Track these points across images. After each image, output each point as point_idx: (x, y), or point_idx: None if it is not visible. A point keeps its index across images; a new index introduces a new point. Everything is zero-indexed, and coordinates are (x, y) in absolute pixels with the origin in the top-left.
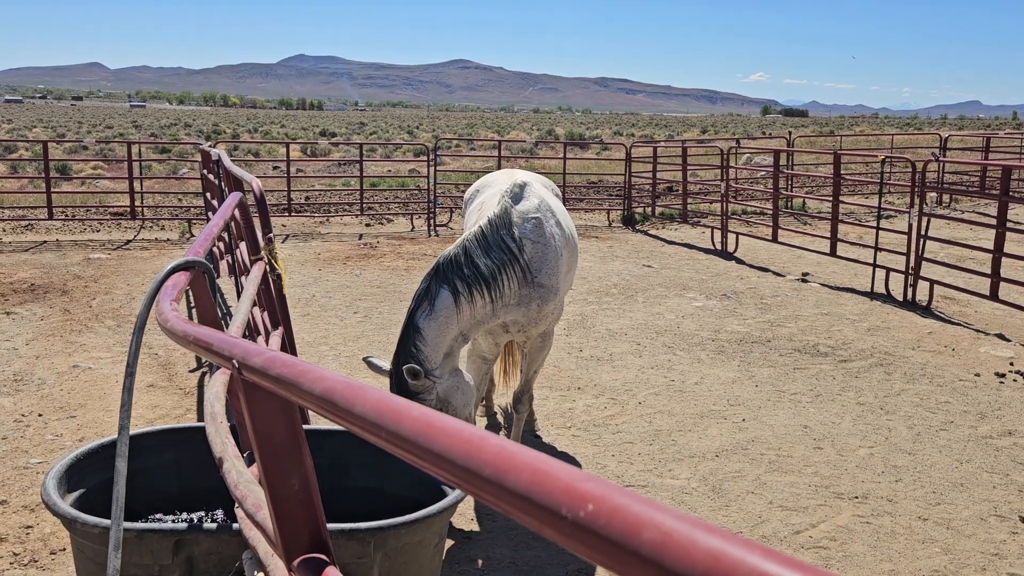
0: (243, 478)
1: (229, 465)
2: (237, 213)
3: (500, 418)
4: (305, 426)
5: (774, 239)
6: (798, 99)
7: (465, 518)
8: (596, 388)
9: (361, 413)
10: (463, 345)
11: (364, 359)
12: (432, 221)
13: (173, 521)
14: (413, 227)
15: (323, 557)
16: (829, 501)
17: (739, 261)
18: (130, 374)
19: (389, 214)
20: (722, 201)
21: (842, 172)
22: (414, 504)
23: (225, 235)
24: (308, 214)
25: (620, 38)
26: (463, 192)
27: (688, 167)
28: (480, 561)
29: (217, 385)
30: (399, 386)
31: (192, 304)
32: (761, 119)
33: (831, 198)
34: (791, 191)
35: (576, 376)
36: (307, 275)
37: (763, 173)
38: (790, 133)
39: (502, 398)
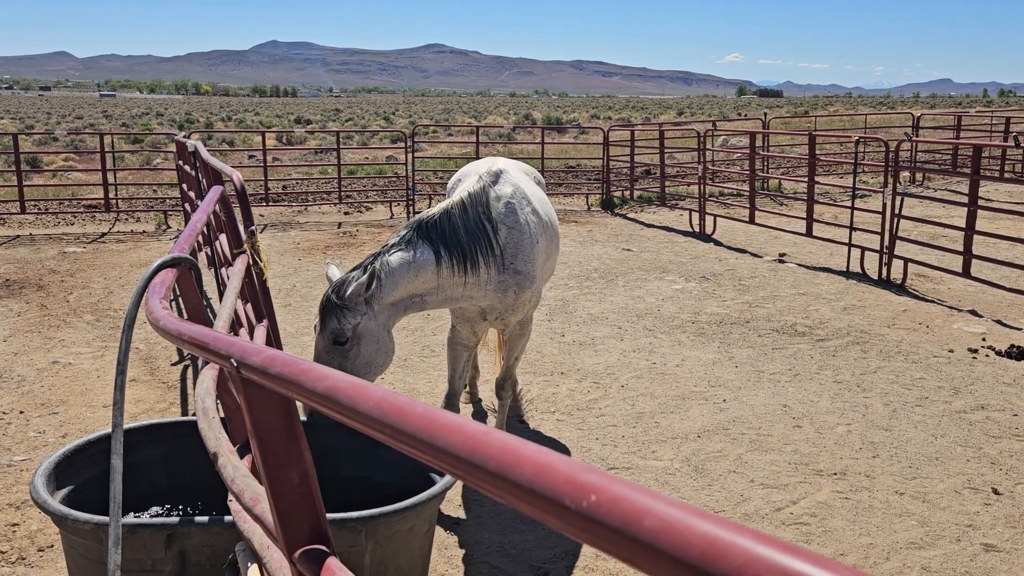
0: (239, 472)
1: (224, 460)
2: (218, 207)
3: (484, 405)
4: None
5: (751, 220)
6: (772, 79)
7: (453, 504)
8: (579, 372)
9: (364, 410)
10: (413, 311)
11: (327, 264)
12: (411, 208)
13: (164, 515)
14: (392, 214)
15: (323, 548)
16: (809, 478)
17: (717, 243)
18: (121, 372)
19: (368, 202)
20: (700, 183)
21: (817, 153)
22: (403, 492)
23: (204, 228)
24: (286, 203)
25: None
26: (441, 178)
27: (665, 150)
28: (469, 546)
29: (207, 380)
30: (337, 291)
31: (175, 299)
32: (736, 100)
33: (807, 179)
34: (767, 172)
35: (559, 361)
36: (287, 265)
37: (739, 155)
38: (765, 114)
39: (487, 385)
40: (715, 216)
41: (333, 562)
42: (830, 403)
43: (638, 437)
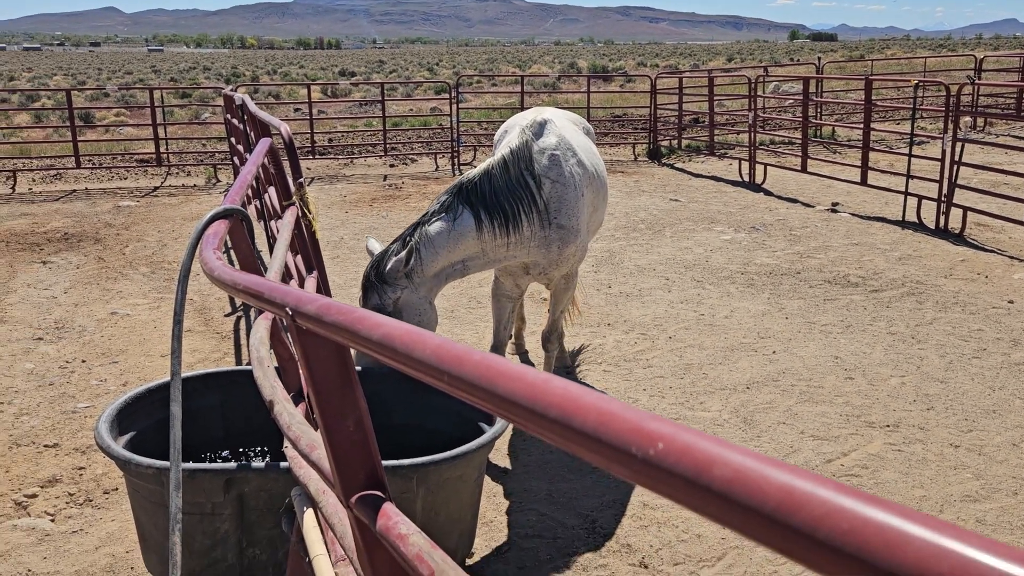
0: (295, 420)
1: (280, 408)
2: (267, 159)
3: (531, 356)
4: None
5: (803, 169)
6: (826, 23)
7: (501, 453)
8: (626, 324)
9: (421, 358)
10: (455, 278)
11: (367, 238)
12: (456, 160)
13: (222, 461)
14: (437, 166)
15: (379, 494)
16: (860, 430)
17: (767, 193)
18: (178, 322)
19: (412, 154)
20: (750, 131)
21: (873, 98)
22: (454, 440)
23: (253, 181)
24: (332, 156)
25: None
26: (486, 129)
27: (715, 97)
28: (517, 494)
29: (260, 331)
30: (376, 266)
31: (227, 250)
32: (789, 45)
33: (862, 125)
34: (820, 119)
35: (606, 312)
36: (334, 218)
37: (791, 102)
38: (819, 59)
39: (533, 336)
40: (765, 165)
41: (389, 507)
42: (883, 355)
43: (686, 388)
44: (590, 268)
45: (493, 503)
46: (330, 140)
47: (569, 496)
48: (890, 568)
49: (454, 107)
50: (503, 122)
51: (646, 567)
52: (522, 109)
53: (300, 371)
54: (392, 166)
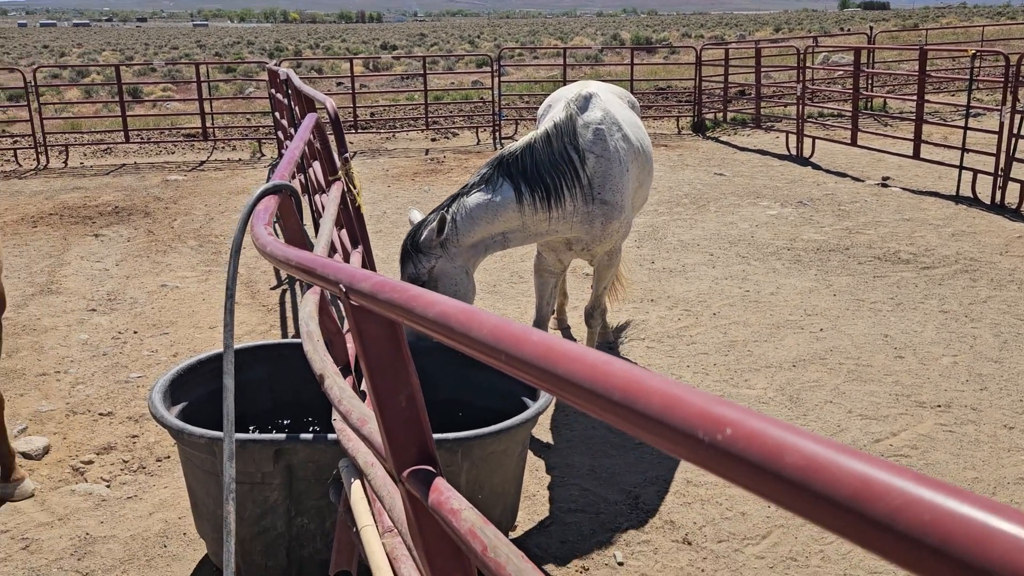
0: (346, 394)
1: (331, 381)
2: (312, 134)
3: (573, 332)
4: None
5: (853, 142)
6: None
7: (543, 428)
8: (669, 300)
9: (479, 337)
10: (495, 250)
11: (410, 209)
12: (497, 134)
13: (270, 432)
14: (479, 140)
15: (430, 468)
16: (910, 410)
17: (815, 166)
18: (230, 296)
19: (454, 128)
20: (798, 104)
21: (927, 69)
22: (497, 415)
23: (300, 156)
24: (374, 130)
25: None
26: (527, 103)
27: (762, 69)
28: (560, 468)
29: (309, 305)
30: (412, 236)
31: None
32: (839, 14)
33: (915, 97)
34: (871, 91)
35: (649, 288)
36: (377, 192)
37: (841, 73)
38: (871, 28)
39: (576, 311)
40: (813, 138)
41: (440, 482)
42: (935, 333)
43: (731, 365)
44: (633, 243)
45: (535, 477)
46: (372, 114)
47: (612, 471)
48: (974, 563)
49: (496, 80)
50: (545, 96)
51: (690, 544)
52: (564, 82)
53: (352, 346)
54: (434, 140)
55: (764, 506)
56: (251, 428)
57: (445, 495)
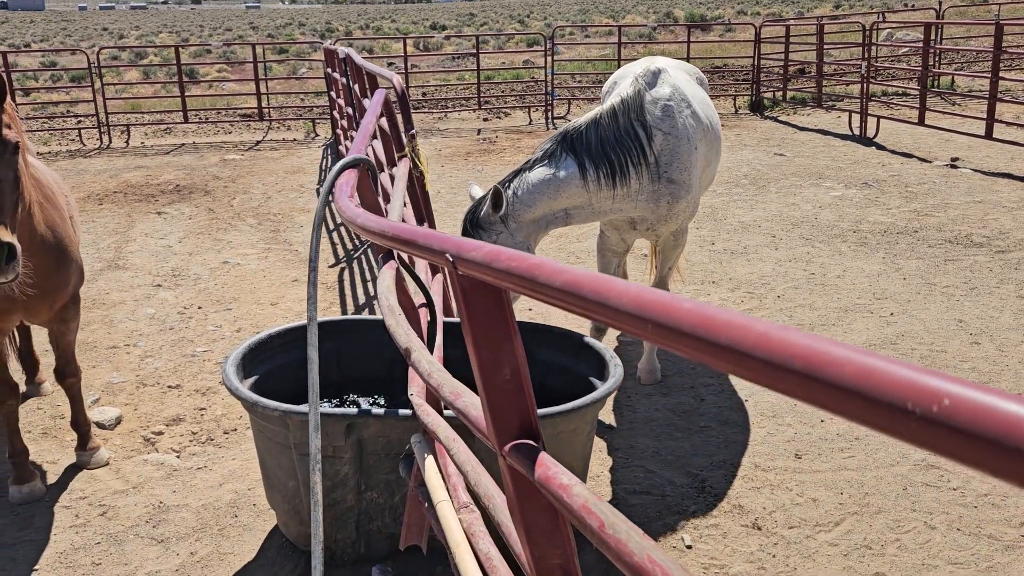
0: (435, 367)
1: (418, 355)
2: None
3: None
4: (447, 319)
5: (920, 122)
6: None
7: (605, 410)
8: (731, 282)
9: (619, 306)
10: (557, 226)
11: (469, 184)
12: (550, 113)
13: (339, 406)
14: (531, 120)
15: (533, 443)
16: None
17: (880, 147)
18: (313, 268)
19: (506, 108)
20: (862, 82)
21: (1003, 45)
22: (565, 395)
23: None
24: (426, 110)
25: None
26: (579, 82)
27: (824, 46)
28: (624, 450)
29: (387, 280)
30: (472, 212)
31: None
32: None
33: (988, 74)
34: (938, 68)
35: (710, 270)
36: (430, 172)
37: (906, 50)
38: (940, 3)
39: None
40: (878, 118)
41: (546, 457)
42: (1013, 319)
43: None
44: (692, 224)
45: (598, 459)
46: (424, 94)
47: (677, 454)
48: None
49: (548, 59)
50: (597, 74)
51: (759, 529)
52: (618, 62)
53: (425, 322)
54: (486, 120)
55: (837, 493)
56: (322, 402)
57: (553, 470)
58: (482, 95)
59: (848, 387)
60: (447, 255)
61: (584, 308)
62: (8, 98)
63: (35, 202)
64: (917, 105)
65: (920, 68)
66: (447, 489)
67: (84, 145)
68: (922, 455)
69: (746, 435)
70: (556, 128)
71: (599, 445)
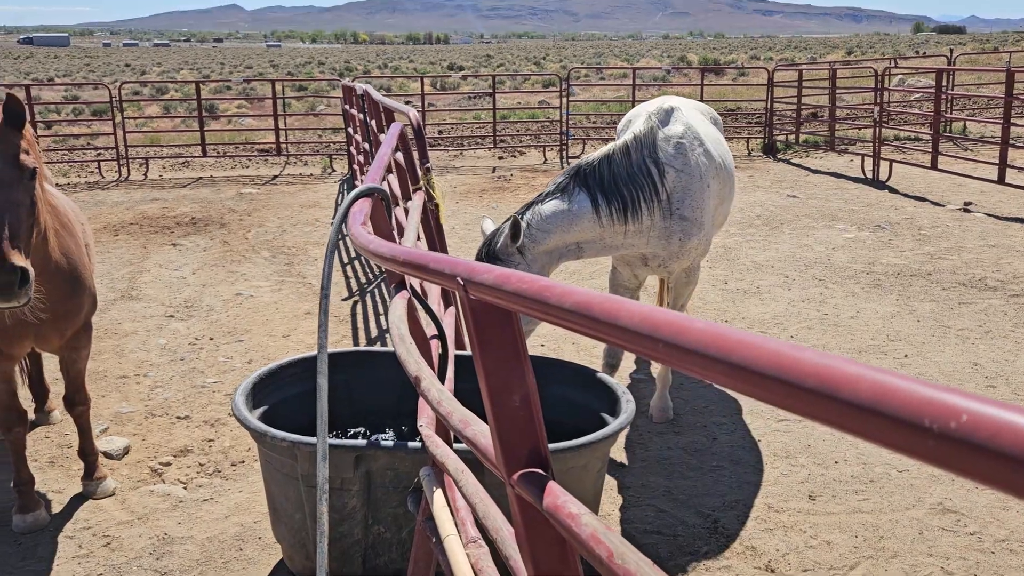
0: (445, 396)
1: (428, 383)
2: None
3: None
4: (458, 352)
5: (933, 166)
6: (955, 14)
7: (616, 447)
8: (744, 321)
9: (629, 326)
10: (568, 259)
11: (483, 219)
12: (564, 152)
13: (350, 438)
14: (545, 159)
15: (542, 472)
16: None
17: (892, 190)
18: (325, 296)
19: (521, 147)
20: (875, 126)
21: (1014, 92)
22: (575, 431)
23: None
24: (442, 148)
25: None
26: (594, 123)
27: (836, 91)
28: (635, 488)
29: (399, 309)
30: (488, 244)
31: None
32: (912, 38)
33: (1000, 120)
34: (951, 114)
35: (722, 309)
36: (445, 207)
37: (918, 96)
38: (951, 51)
39: None
40: (891, 162)
41: (555, 486)
42: None
43: None
44: (705, 263)
45: (609, 496)
46: (440, 132)
47: (689, 494)
48: None
49: (564, 100)
50: (611, 115)
51: (772, 571)
52: (632, 103)
53: (436, 353)
54: (500, 158)
55: (851, 536)
56: (331, 434)
57: (562, 499)
58: (497, 134)
59: (863, 405)
60: (458, 278)
61: (595, 329)
62: (28, 125)
63: (51, 229)
64: (930, 150)
65: (933, 113)
66: (455, 523)
67: (103, 177)
68: (938, 498)
69: (759, 475)
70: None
71: (610, 483)
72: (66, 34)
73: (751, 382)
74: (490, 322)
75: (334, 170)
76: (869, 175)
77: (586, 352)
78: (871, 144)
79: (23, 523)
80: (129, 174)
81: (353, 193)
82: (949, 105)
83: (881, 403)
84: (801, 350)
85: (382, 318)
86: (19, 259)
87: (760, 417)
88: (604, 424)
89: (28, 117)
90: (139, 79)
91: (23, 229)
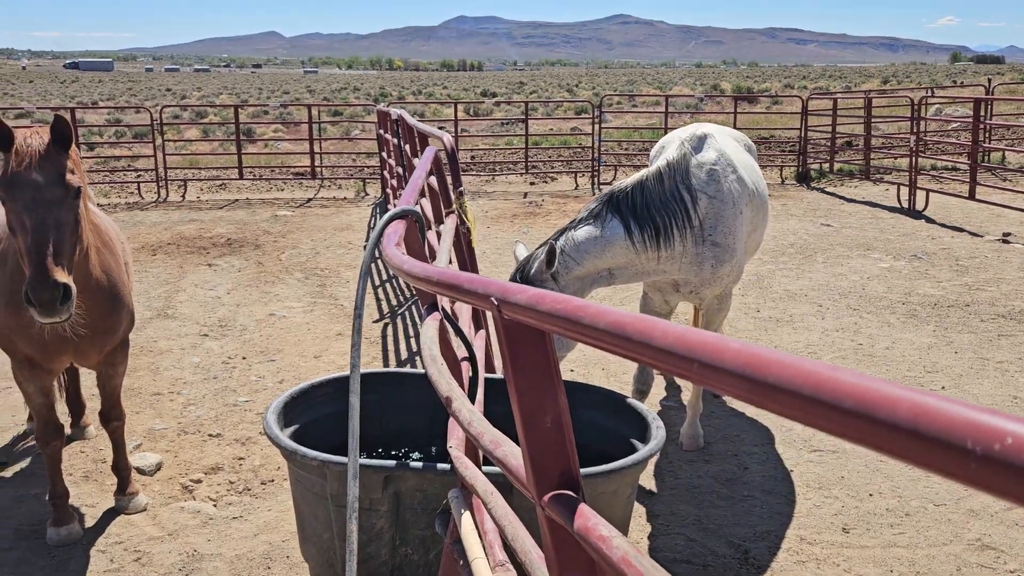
0: (476, 416)
1: (459, 404)
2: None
3: (679, 380)
4: (489, 375)
5: (971, 196)
6: (993, 44)
7: (646, 475)
8: (776, 350)
9: (664, 346)
10: (601, 286)
11: (516, 243)
12: (596, 179)
13: (379, 458)
14: (577, 185)
15: (572, 494)
16: None
17: (929, 220)
18: (359, 315)
19: (553, 172)
20: (911, 155)
21: None
22: (603, 456)
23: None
24: (474, 173)
25: None
26: (626, 150)
27: (872, 119)
28: (664, 517)
29: (430, 330)
30: (522, 270)
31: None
32: (949, 67)
33: None
34: (989, 144)
35: (754, 337)
36: (476, 232)
37: (955, 125)
38: (989, 80)
39: None
40: (927, 191)
41: (586, 508)
42: None
43: None
44: (737, 291)
45: (638, 524)
46: (472, 157)
47: (719, 523)
48: None
49: (596, 127)
50: (643, 142)
51: None
52: (664, 130)
53: (468, 376)
54: (532, 184)
55: (886, 571)
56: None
57: (592, 521)
58: (529, 160)
59: (903, 426)
60: (492, 298)
61: (629, 349)
62: (74, 146)
63: (93, 246)
64: (967, 179)
65: (971, 143)
66: (483, 546)
67: (142, 198)
68: (977, 534)
69: (791, 506)
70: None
71: (639, 510)
72: (110, 59)
73: (787, 403)
74: (523, 342)
75: (367, 194)
76: (905, 204)
77: (616, 379)
78: (907, 173)
79: (57, 536)
80: (168, 195)
81: (388, 215)
82: (987, 135)
83: (921, 424)
84: (838, 370)
85: (412, 341)
86: (62, 276)
87: (792, 447)
88: (634, 450)
89: (74, 138)
90: (179, 103)
91: (67, 246)
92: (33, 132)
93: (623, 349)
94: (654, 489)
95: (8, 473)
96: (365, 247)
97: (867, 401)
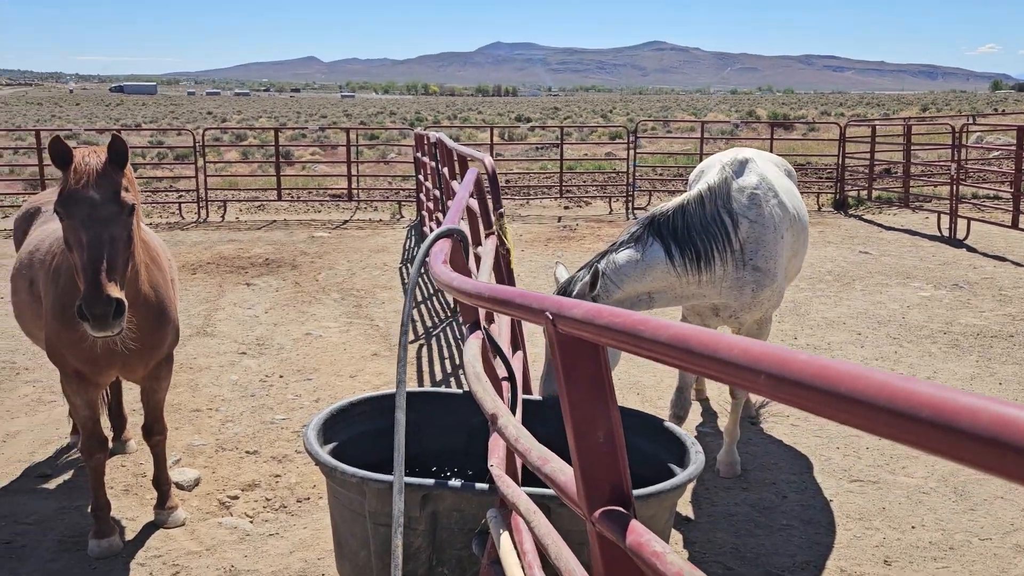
0: (522, 433)
1: (504, 421)
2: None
3: (712, 404)
4: (525, 396)
5: (1014, 225)
6: None
7: (682, 501)
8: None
9: (729, 359)
10: (642, 309)
11: (556, 264)
12: (630, 204)
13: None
14: (611, 210)
15: (623, 510)
16: None
17: (970, 249)
18: (404, 332)
19: (587, 197)
20: (952, 183)
21: None
22: (643, 481)
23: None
24: (509, 196)
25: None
26: (660, 175)
27: (912, 147)
28: (701, 544)
29: (473, 348)
30: (563, 290)
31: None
32: (990, 95)
33: None
34: None
35: None
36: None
37: (998, 153)
38: None
39: (714, 384)
40: (968, 220)
41: (637, 524)
42: None
43: (885, 450)
44: (774, 317)
45: (675, 551)
46: (507, 181)
47: (757, 552)
48: None
49: (631, 151)
50: (678, 168)
51: None
52: (700, 156)
53: (508, 395)
54: (566, 208)
55: None
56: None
57: (645, 537)
58: (564, 184)
59: (984, 436)
60: (547, 312)
61: (692, 362)
62: (128, 164)
63: (142, 262)
64: (1010, 208)
65: (1013, 171)
66: (523, 567)
67: (183, 218)
68: (1023, 570)
69: (831, 536)
70: (636, 218)
71: (675, 538)
72: (154, 83)
73: (859, 414)
74: (578, 355)
75: (403, 216)
76: (945, 233)
77: (650, 403)
78: (947, 201)
79: (98, 548)
80: (208, 216)
81: (434, 233)
82: None
83: (1003, 434)
84: (911, 381)
85: (447, 361)
86: (115, 291)
87: (832, 476)
88: (671, 475)
89: (128, 158)
90: (220, 126)
91: (120, 262)
92: (91, 151)
93: (686, 362)
94: (691, 516)
95: (51, 485)
96: (400, 267)
97: (946, 411)
